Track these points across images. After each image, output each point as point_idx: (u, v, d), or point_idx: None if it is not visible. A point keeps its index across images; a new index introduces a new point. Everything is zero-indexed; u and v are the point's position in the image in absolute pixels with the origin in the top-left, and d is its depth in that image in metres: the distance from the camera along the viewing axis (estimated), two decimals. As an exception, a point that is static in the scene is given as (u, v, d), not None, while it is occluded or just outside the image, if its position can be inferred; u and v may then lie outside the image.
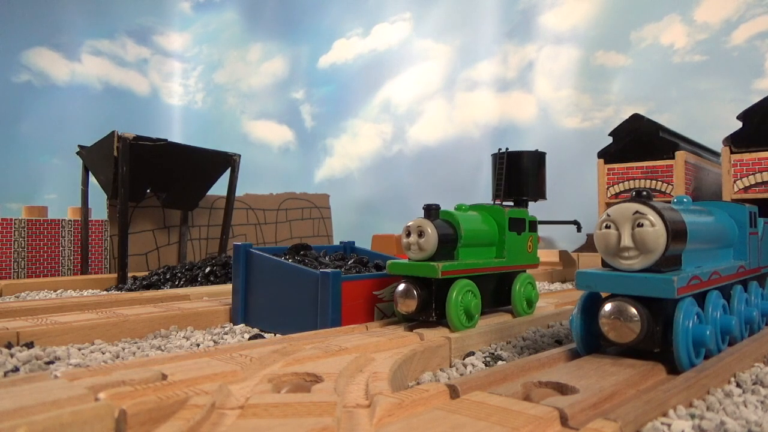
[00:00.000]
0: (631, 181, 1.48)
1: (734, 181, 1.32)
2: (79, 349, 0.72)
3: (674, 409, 0.45)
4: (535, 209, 1.38)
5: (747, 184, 1.31)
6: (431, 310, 0.72)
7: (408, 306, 0.73)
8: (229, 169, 1.93)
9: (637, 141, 1.49)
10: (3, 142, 2.74)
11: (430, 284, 0.72)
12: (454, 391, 0.46)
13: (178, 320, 0.89)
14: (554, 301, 1.05)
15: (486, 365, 0.64)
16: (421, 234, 0.74)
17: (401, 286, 0.74)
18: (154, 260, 1.90)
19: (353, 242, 1.15)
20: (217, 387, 0.45)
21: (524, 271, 0.88)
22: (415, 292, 0.72)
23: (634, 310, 0.53)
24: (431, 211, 0.75)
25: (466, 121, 2.78)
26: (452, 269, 0.73)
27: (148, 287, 1.39)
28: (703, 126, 2.05)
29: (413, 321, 0.76)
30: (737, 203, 0.74)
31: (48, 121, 2.88)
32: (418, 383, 0.58)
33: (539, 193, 1.35)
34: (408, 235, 0.75)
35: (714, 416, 0.43)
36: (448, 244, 0.75)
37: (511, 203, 1.39)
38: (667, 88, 2.24)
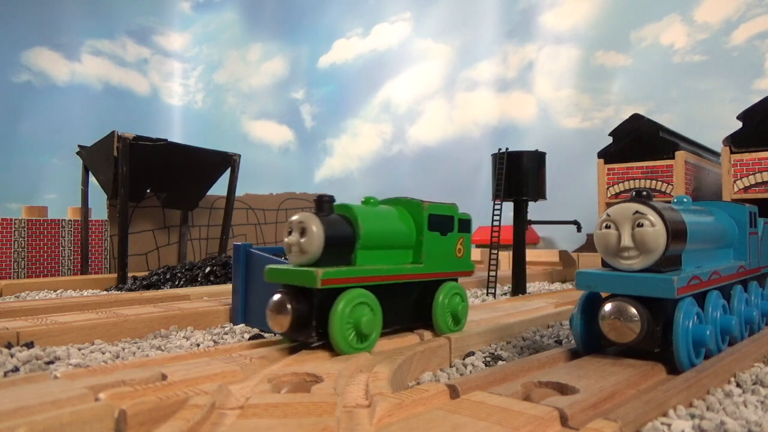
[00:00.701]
0: (631, 181, 1.48)
1: (734, 181, 1.32)
2: (79, 349, 0.72)
3: (674, 409, 0.45)
4: (535, 209, 1.38)
5: (747, 184, 1.31)
6: (311, 328, 0.58)
7: (279, 323, 0.58)
8: (229, 169, 1.93)
9: (637, 141, 1.49)
10: (3, 142, 2.74)
11: (312, 296, 0.58)
12: (454, 391, 0.46)
13: (178, 320, 0.89)
14: (554, 301, 1.05)
15: (486, 365, 0.64)
16: (303, 232, 0.60)
17: (274, 298, 0.59)
18: (154, 260, 1.90)
19: (353, 242, 1.14)
20: (217, 387, 0.45)
21: (452, 280, 0.74)
22: (288, 305, 0.58)
23: (634, 310, 0.53)
24: (323, 205, 0.62)
25: (466, 121, 2.79)
26: (339, 277, 0.59)
27: (148, 287, 1.39)
28: (703, 126, 2.05)
29: (296, 342, 0.62)
30: (737, 203, 0.74)
31: (48, 121, 2.88)
32: (418, 383, 0.58)
33: (539, 193, 1.35)
34: (289, 233, 0.61)
35: (714, 416, 0.43)
36: (341, 246, 0.62)
37: (511, 202, 1.39)
38: (667, 88, 2.24)
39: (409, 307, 0.70)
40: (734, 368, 0.56)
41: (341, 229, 0.62)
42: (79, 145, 1.74)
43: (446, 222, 0.73)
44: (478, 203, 2.24)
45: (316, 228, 0.59)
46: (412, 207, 0.71)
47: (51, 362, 0.64)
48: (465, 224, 0.76)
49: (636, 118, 1.52)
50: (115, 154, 1.55)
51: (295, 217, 0.61)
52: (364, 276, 0.61)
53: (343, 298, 0.58)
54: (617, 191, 1.50)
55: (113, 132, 1.57)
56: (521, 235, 1.37)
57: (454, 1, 2.86)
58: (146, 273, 1.58)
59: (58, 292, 1.41)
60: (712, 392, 0.50)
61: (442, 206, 0.73)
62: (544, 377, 0.49)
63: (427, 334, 0.70)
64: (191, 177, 1.88)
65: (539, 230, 2.36)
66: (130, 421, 0.38)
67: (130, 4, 3.25)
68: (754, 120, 1.31)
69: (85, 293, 1.37)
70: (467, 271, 0.76)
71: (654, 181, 1.45)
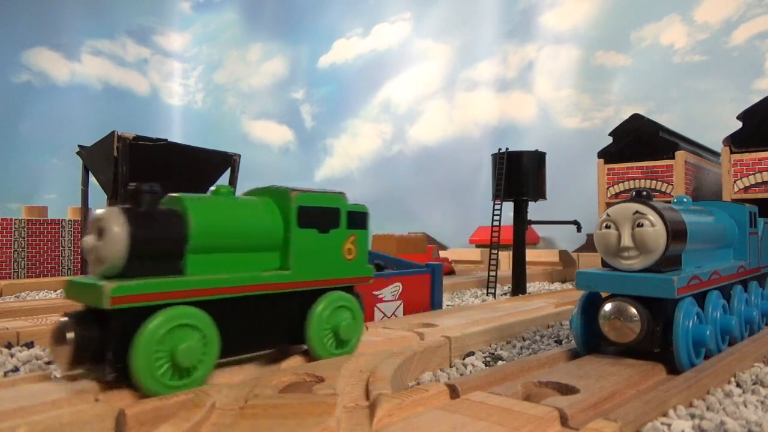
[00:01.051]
0: (631, 181, 1.48)
1: (734, 181, 1.32)
2: (79, 349, 0.72)
3: (674, 409, 0.45)
4: (535, 209, 1.38)
5: (747, 184, 1.31)
6: (106, 362, 0.43)
7: (58, 356, 0.44)
8: (229, 169, 1.93)
9: (637, 141, 1.48)
10: (3, 142, 2.74)
11: (108, 320, 0.44)
12: (454, 391, 0.46)
13: (178, 320, 0.89)
14: (554, 301, 1.05)
15: (486, 365, 0.64)
16: (101, 233, 0.45)
17: (59, 322, 0.45)
18: (154, 260, 1.90)
19: (353, 242, 1.14)
20: (216, 387, 0.45)
21: (340, 290, 0.59)
22: (69, 333, 0.43)
23: (634, 310, 0.53)
24: (140, 197, 0.47)
25: (466, 121, 2.78)
26: (145, 292, 0.44)
27: (148, 287, 1.39)
28: (703, 126, 2.05)
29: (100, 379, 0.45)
30: (737, 203, 0.74)
31: (48, 121, 2.88)
32: (418, 383, 0.58)
33: (539, 193, 1.35)
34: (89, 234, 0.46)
35: (714, 416, 0.43)
36: (162, 251, 0.47)
37: (514, 200, 1.38)
38: (667, 88, 2.24)
39: (276, 325, 0.54)
40: (734, 368, 0.56)
41: (160, 227, 0.47)
42: (79, 145, 1.74)
43: (327, 216, 0.57)
44: (478, 203, 2.25)
45: (117, 227, 0.44)
46: (279, 197, 0.55)
47: (51, 362, 0.64)
48: (357, 219, 0.60)
49: (636, 118, 1.52)
50: (115, 154, 1.55)
51: (95, 213, 0.47)
52: (189, 289, 0.46)
53: (155, 319, 0.44)
54: (617, 191, 1.49)
55: (113, 132, 1.57)
56: (521, 235, 1.37)
57: (454, 1, 2.86)
58: (146, 273, 1.58)
59: (58, 292, 1.41)
60: (712, 392, 0.50)
61: (322, 196, 0.57)
62: (544, 377, 0.49)
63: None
64: (191, 177, 1.88)
65: (539, 230, 2.36)
66: (130, 421, 0.38)
67: (130, 4, 3.25)
68: (754, 120, 1.30)
69: (85, 293, 1.37)
70: (362, 278, 0.61)
71: (654, 181, 1.45)
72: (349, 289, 0.60)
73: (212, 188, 0.54)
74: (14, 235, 1.63)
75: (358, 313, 0.60)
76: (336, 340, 0.57)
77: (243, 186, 2.11)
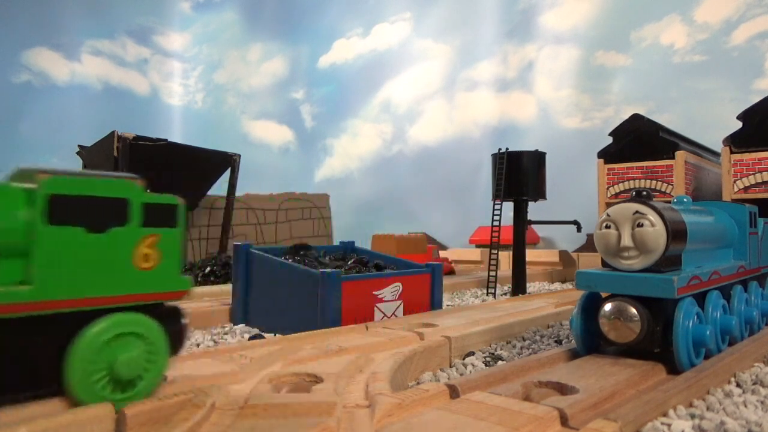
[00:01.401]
0: (631, 181, 1.48)
1: (734, 181, 1.32)
2: (79, 349, 0.72)
3: (674, 409, 0.45)
4: (535, 209, 1.38)
5: (747, 184, 1.31)
6: None
7: None
8: (229, 169, 1.93)
9: (637, 141, 1.48)
10: (3, 142, 2.74)
11: None
12: (454, 391, 0.46)
13: (178, 320, 0.89)
14: (554, 301, 1.05)
15: (486, 365, 0.64)
16: None
17: None
18: (154, 260, 1.90)
19: (353, 242, 1.15)
20: (216, 387, 0.45)
21: (129, 310, 0.41)
22: None
23: (634, 310, 0.53)
24: None
25: (466, 121, 2.78)
26: None
27: (147, 287, 1.39)
28: (703, 126, 2.05)
29: None
30: (737, 203, 0.74)
31: (48, 121, 2.88)
32: (418, 383, 0.58)
33: (539, 193, 1.35)
34: None
35: (714, 416, 0.43)
36: None
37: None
38: (667, 88, 2.24)
39: (10, 362, 0.38)
40: (734, 368, 0.56)
41: None
42: (79, 145, 1.74)
43: (104, 209, 0.40)
44: (478, 203, 2.25)
45: None
46: (28, 182, 0.40)
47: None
48: (161, 214, 0.43)
49: (636, 118, 1.51)
50: (115, 154, 1.55)
51: None
52: None
53: None
54: (617, 191, 1.49)
55: (113, 132, 1.57)
56: (521, 235, 1.37)
57: (454, 1, 2.86)
58: (146, 273, 1.58)
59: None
60: (712, 392, 0.50)
61: (92, 182, 0.40)
62: (544, 377, 0.49)
63: (428, 334, 0.68)
64: (191, 177, 1.88)
65: (539, 230, 2.36)
66: (130, 422, 0.38)
67: (130, 4, 3.25)
68: (754, 120, 1.30)
69: (85, 293, 1.37)
70: (168, 292, 0.43)
71: (654, 181, 1.45)
72: (150, 309, 0.42)
73: None
74: (14, 235, 1.63)
75: (158, 341, 0.42)
76: (112, 381, 0.40)
77: (243, 187, 2.12)
